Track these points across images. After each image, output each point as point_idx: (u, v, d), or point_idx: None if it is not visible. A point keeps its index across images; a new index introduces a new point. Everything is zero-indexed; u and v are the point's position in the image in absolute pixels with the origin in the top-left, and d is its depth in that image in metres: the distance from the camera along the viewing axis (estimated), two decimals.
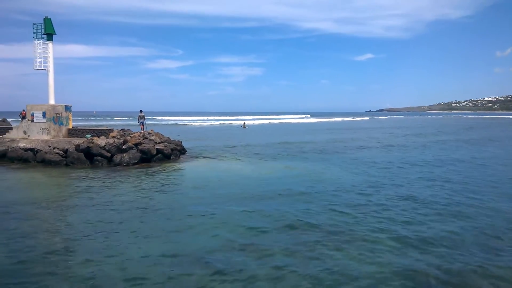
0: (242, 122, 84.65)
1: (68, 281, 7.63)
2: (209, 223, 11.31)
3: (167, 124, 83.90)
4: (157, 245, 9.50)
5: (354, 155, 27.94)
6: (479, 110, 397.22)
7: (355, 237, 10.01)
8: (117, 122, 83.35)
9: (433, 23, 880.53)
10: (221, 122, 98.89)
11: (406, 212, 12.34)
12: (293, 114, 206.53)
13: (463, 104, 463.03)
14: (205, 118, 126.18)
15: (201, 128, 72.70)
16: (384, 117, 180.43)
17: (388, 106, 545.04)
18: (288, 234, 10.32)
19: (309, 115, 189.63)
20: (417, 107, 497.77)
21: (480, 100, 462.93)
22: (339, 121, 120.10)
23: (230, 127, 76.87)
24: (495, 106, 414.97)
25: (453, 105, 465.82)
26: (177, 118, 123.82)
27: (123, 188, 16.17)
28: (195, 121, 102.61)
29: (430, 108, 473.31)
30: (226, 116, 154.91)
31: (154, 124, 75.35)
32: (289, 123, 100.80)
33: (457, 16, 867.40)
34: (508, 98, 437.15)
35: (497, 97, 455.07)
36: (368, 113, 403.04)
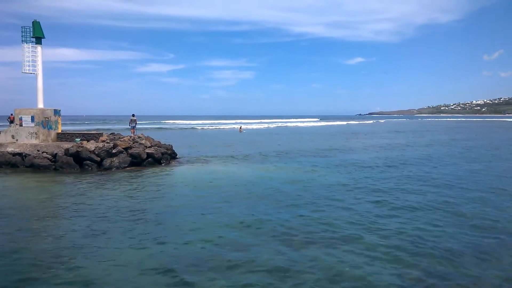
0: (239, 126, 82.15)
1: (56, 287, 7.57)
2: (194, 229, 11.29)
3: (174, 128, 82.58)
4: (142, 252, 9.45)
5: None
6: (468, 113, 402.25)
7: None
8: (107, 126, 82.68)
9: (422, 27, 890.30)
10: (227, 126, 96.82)
11: None
12: (287, 118, 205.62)
13: (452, 107, 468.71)
14: (209, 122, 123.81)
15: (212, 131, 72.37)
16: (383, 120, 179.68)
17: (378, 109, 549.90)
18: (277, 247, 10.34)
19: (317, 119, 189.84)
20: (406, 110, 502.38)
21: (468, 103, 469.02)
22: (344, 125, 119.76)
23: (232, 130, 75.56)
24: (483, 109, 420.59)
25: (442, 108, 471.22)
26: (175, 121, 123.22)
27: (112, 193, 16.06)
28: (198, 125, 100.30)
29: (420, 111, 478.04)
30: (225, 120, 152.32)
31: (160, 129, 75.17)
32: (290, 127, 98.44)
33: (446, 20, 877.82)
34: (496, 102, 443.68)
35: (485, 100, 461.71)
36: (359, 116, 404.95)
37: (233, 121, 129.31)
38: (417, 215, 12.44)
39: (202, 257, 9.00)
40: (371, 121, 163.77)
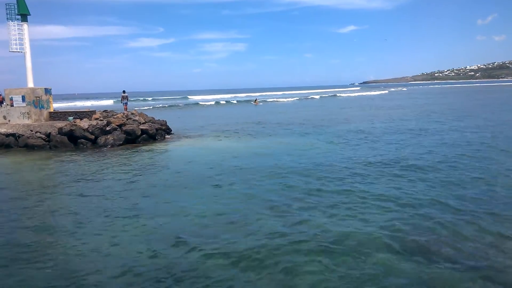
0: (254, 99, 77.20)
1: (51, 264, 7.69)
2: (190, 203, 11.40)
3: (179, 105, 74.15)
4: (142, 227, 9.58)
5: None
6: (462, 79, 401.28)
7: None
8: (101, 102, 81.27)
9: None
10: (229, 100, 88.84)
11: None
12: (280, 90, 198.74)
13: (446, 73, 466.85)
14: (214, 96, 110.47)
15: (218, 107, 71.10)
16: (405, 88, 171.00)
17: (372, 78, 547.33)
18: (271, 216, 10.49)
19: (358, 87, 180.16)
20: (400, 78, 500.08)
21: (462, 69, 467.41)
22: (386, 93, 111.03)
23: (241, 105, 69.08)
24: (477, 74, 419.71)
25: (436, 74, 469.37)
26: (177, 97, 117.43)
27: (107, 170, 16.08)
28: (204, 100, 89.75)
29: (414, 78, 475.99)
30: (232, 93, 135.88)
31: (163, 107, 70.77)
32: (315, 100, 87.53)
33: None
34: (490, 66, 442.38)
35: (478, 65, 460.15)
36: (355, 86, 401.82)
37: (244, 95, 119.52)
38: None
39: (198, 228, 9.16)
40: (405, 88, 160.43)
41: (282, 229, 8.97)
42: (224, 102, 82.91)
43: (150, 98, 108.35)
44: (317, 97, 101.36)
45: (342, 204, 10.55)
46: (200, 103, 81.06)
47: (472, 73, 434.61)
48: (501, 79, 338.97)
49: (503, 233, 8.44)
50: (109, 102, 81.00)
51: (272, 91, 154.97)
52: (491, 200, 10.60)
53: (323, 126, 29.50)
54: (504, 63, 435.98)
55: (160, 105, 72.25)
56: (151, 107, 63.75)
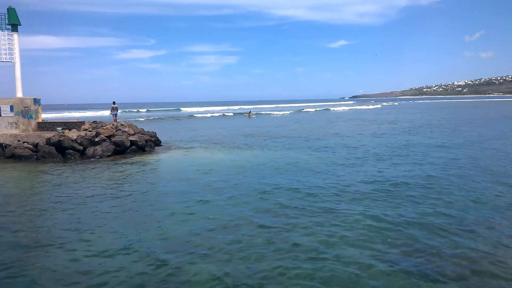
0: (248, 111, 77.55)
1: (26, 281, 7.61)
2: (179, 216, 11.38)
3: (177, 116, 73.10)
4: (128, 239, 9.54)
5: None
6: (449, 94, 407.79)
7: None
8: (94, 113, 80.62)
9: (405, 8, 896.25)
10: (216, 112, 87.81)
11: None
12: (268, 103, 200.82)
13: (434, 88, 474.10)
14: (210, 108, 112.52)
15: (213, 119, 70.92)
16: (397, 103, 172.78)
17: (361, 92, 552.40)
18: (256, 232, 10.52)
19: (349, 101, 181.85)
20: (389, 92, 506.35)
21: (450, 84, 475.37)
22: (379, 108, 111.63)
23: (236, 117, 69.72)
24: (464, 90, 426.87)
25: (424, 90, 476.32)
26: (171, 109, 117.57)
27: (95, 182, 15.98)
28: (199, 112, 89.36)
29: (403, 93, 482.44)
30: (225, 106, 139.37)
31: (159, 119, 71.57)
32: (309, 113, 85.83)
33: (428, 1, 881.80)
34: (477, 82, 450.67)
35: (466, 81, 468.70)
36: (345, 99, 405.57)
37: (236, 107, 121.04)
38: None
39: (183, 243, 9.14)
40: (396, 103, 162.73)
41: (261, 244, 9.02)
42: (220, 114, 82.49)
43: (144, 110, 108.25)
44: (312, 110, 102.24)
45: (326, 221, 10.62)
46: (195, 115, 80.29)
47: (460, 88, 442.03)
48: (487, 95, 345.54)
49: (486, 251, 8.59)
50: (105, 113, 79.40)
51: (264, 104, 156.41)
52: (474, 218, 10.78)
53: (314, 140, 29.71)
54: (491, 79, 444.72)
55: (156, 117, 71.71)
56: (144, 119, 63.40)
